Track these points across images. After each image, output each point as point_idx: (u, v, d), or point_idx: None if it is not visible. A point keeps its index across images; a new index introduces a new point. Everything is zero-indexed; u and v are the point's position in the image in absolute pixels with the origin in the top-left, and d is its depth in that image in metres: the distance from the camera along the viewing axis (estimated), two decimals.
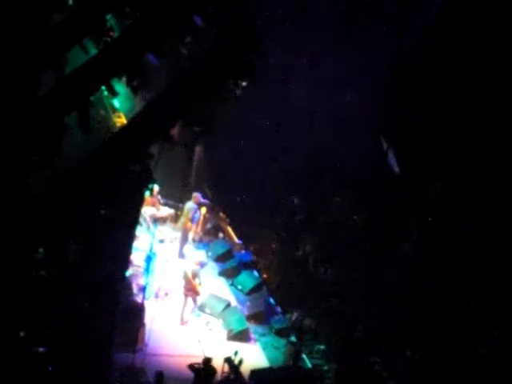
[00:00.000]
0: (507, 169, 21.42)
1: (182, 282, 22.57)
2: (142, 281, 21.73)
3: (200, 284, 22.50)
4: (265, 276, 26.30)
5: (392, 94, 24.70)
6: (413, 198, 23.96)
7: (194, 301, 22.52)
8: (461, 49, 22.95)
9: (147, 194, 23.48)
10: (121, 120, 20.27)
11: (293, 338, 22.51)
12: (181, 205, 27.15)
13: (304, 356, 22.08)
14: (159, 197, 26.61)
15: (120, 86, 12.52)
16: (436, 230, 22.95)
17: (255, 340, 22.72)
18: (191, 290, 22.38)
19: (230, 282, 25.42)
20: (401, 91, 24.56)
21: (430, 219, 23.43)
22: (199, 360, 19.09)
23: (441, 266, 21.89)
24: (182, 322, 22.36)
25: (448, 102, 23.24)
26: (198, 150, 29.34)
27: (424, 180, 23.74)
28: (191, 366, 18.87)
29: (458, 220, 22.30)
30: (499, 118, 21.84)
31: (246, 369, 19.74)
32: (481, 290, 20.68)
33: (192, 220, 26.01)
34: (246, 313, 23.71)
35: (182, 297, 22.47)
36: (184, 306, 22.40)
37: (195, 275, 22.44)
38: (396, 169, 24.07)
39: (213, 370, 18.87)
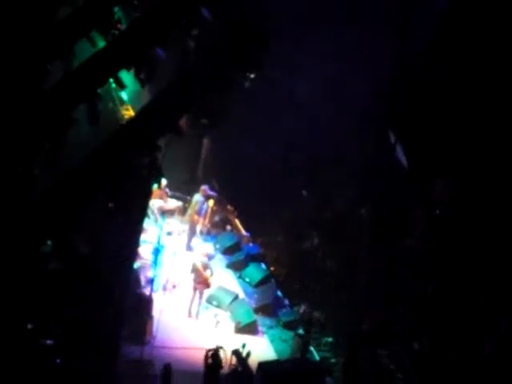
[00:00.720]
0: None
1: (191, 276, 22.55)
2: (149, 273, 21.75)
3: (212, 275, 22.52)
4: (272, 269, 26.29)
5: (399, 88, 24.64)
6: (420, 192, 23.91)
7: (202, 294, 22.49)
8: (465, 45, 22.90)
9: (155, 186, 23.50)
10: (129, 112, 20.27)
11: (300, 331, 22.51)
12: (189, 197, 27.16)
13: (312, 349, 22.08)
14: (167, 189, 26.63)
15: (128, 79, 12.53)
16: (442, 224, 22.90)
17: (263, 332, 22.75)
18: (202, 283, 22.37)
19: (238, 275, 25.45)
20: (408, 84, 24.49)
21: (436, 212, 23.37)
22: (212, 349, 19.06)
23: (447, 260, 21.84)
24: (190, 315, 22.37)
25: (455, 96, 23.19)
26: (205, 142, 29.35)
27: (431, 174, 23.69)
28: (206, 357, 18.87)
29: (464, 215, 22.25)
30: (507, 113, 21.78)
31: (253, 361, 19.72)
32: (488, 285, 20.63)
33: (199, 212, 26.01)
34: (254, 305, 23.74)
35: (191, 290, 22.47)
36: (192, 299, 22.41)
37: (206, 266, 22.47)
38: (404, 163, 24.01)
39: (219, 363, 18.87)
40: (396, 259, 23.21)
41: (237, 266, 25.76)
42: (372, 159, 25.01)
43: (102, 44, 12.09)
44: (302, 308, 23.89)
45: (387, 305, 22.50)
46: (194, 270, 22.41)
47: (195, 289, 22.43)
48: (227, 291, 23.67)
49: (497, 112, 21.84)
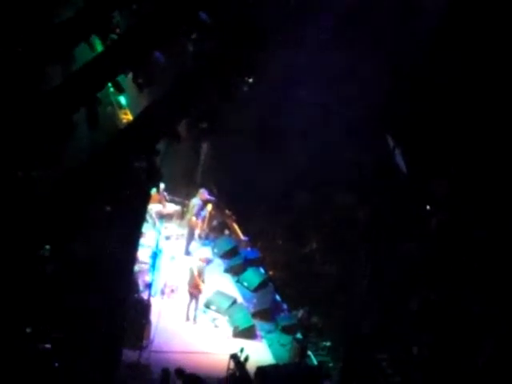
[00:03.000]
0: None
1: (186, 279, 22.53)
2: (147, 278, 21.72)
3: (203, 282, 22.46)
4: (271, 273, 26.27)
5: (398, 92, 24.68)
6: (419, 197, 23.92)
7: (197, 299, 22.44)
8: (464, 49, 22.93)
9: (153, 190, 23.50)
10: (127, 117, 20.24)
11: (299, 335, 22.51)
12: (187, 201, 27.16)
13: (310, 353, 22.07)
14: (165, 193, 26.63)
15: (126, 83, 12.54)
16: (441, 229, 22.91)
17: (261, 337, 22.72)
18: (195, 288, 22.33)
19: (236, 279, 25.41)
20: (406, 89, 24.54)
21: (435, 219, 23.38)
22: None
23: (447, 264, 21.86)
24: (188, 319, 22.36)
25: (455, 101, 23.22)
26: (204, 146, 29.36)
27: (431, 179, 23.71)
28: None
29: (463, 221, 22.26)
30: (505, 116, 21.81)
31: (251, 366, 19.74)
32: (486, 289, 20.64)
33: (197, 215, 26.01)
34: (252, 310, 23.69)
35: (187, 294, 22.44)
36: (189, 303, 22.38)
37: (200, 273, 22.43)
38: (403, 168, 24.01)
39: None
40: (395, 263, 23.20)
41: (235, 271, 25.73)
42: (374, 163, 24.98)
43: (100, 48, 12.12)
44: (301, 312, 23.83)
45: (386, 309, 22.48)
46: (191, 274, 22.38)
47: (190, 293, 22.39)
48: (225, 296, 23.65)
49: (495, 115, 21.88)
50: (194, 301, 22.40)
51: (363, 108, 25.27)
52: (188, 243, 25.80)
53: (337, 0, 26.19)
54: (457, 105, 23.13)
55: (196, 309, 22.49)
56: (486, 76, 22.33)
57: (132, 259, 19.00)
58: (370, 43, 25.58)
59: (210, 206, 26.70)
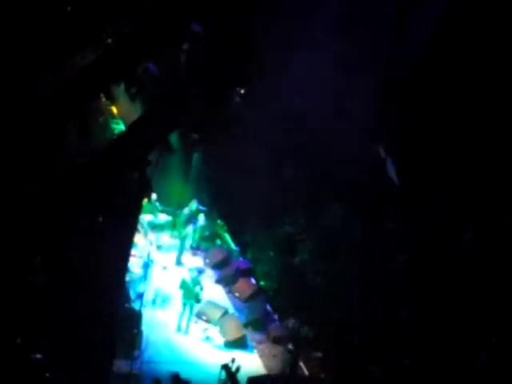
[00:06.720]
0: (506, 181, 21.43)
1: (180, 291, 22.49)
2: (139, 288, 21.70)
3: (202, 289, 22.45)
4: (262, 283, 26.26)
5: (390, 104, 24.73)
6: (410, 208, 23.94)
7: (192, 309, 22.43)
8: (460, 59, 22.99)
9: (145, 200, 23.49)
10: (119, 127, 20.28)
11: (290, 346, 22.49)
12: (179, 212, 27.17)
13: (301, 364, 22.04)
14: (157, 204, 26.63)
15: (119, 93, 12.55)
16: (433, 240, 22.93)
17: (252, 347, 22.71)
18: (191, 299, 22.28)
19: (228, 289, 25.41)
20: (398, 101, 24.59)
21: (427, 230, 23.40)
22: None
23: (437, 276, 21.87)
24: (179, 330, 22.32)
25: (447, 112, 23.27)
26: (196, 157, 29.36)
27: (423, 191, 23.73)
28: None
29: (455, 231, 22.29)
30: (498, 126, 21.86)
31: (243, 376, 19.72)
32: (478, 299, 20.66)
33: (185, 225, 25.99)
34: (244, 320, 23.69)
35: (181, 306, 22.39)
36: (181, 314, 22.33)
37: (196, 282, 22.41)
38: (395, 179, 24.05)
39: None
40: (388, 274, 23.22)
41: (227, 281, 25.73)
42: (366, 174, 25.00)
43: (93, 58, 12.13)
44: (292, 323, 23.85)
45: (378, 320, 22.48)
46: (184, 286, 22.36)
47: (185, 304, 22.37)
48: (217, 306, 23.61)
49: (487, 124, 21.94)
50: (186, 311, 22.37)
51: (356, 119, 25.30)
52: (179, 253, 25.80)
53: (327, 8, 26.26)
54: (448, 114, 23.19)
55: (189, 319, 22.47)
56: (478, 87, 22.40)
57: (124, 269, 18.97)
58: (362, 55, 25.62)
59: (201, 217, 26.73)
